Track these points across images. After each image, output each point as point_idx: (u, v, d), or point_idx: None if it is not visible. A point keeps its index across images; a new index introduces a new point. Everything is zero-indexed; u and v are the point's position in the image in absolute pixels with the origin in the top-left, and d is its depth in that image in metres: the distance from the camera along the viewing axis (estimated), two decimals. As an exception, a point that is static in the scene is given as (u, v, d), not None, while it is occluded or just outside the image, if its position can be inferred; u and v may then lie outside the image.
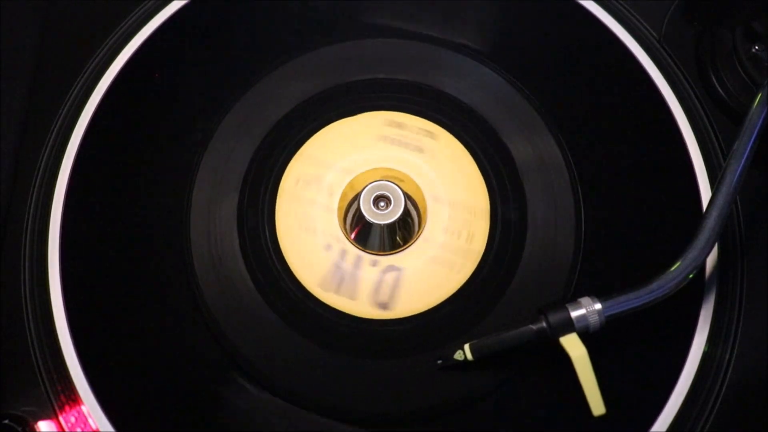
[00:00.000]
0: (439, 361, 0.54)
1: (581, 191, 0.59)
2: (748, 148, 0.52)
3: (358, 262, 0.58)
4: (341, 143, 0.60)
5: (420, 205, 0.59)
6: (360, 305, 0.56)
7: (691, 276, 0.50)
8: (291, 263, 0.57)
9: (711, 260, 0.56)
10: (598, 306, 0.51)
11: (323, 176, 0.59)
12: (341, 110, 0.61)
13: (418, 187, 0.59)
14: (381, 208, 0.57)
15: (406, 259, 0.58)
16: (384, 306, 0.56)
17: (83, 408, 0.53)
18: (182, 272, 0.57)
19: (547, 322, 0.51)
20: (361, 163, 0.60)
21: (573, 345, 0.50)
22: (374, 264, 0.57)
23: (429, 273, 0.57)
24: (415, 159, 0.60)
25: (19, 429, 0.51)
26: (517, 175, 0.59)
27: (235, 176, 0.59)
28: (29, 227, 0.57)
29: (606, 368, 0.50)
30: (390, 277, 0.57)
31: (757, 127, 0.52)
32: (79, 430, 0.53)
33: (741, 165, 0.52)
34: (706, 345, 0.54)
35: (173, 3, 0.63)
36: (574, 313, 0.51)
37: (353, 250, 0.58)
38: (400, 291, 0.57)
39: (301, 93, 0.62)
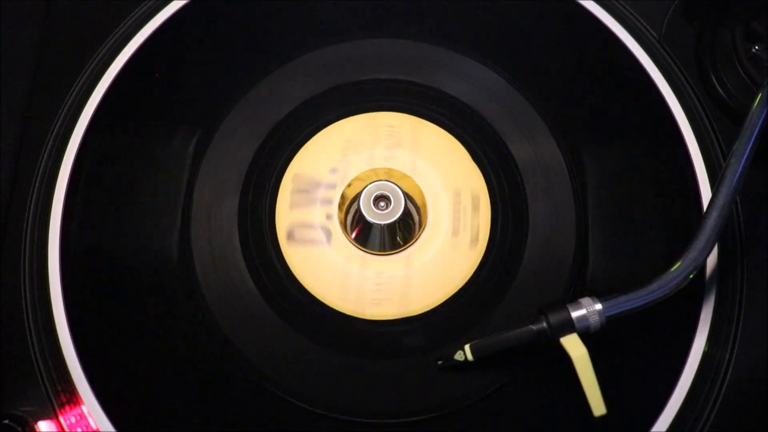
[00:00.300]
0: (440, 362, 0.54)
1: (581, 191, 0.59)
2: (748, 148, 0.52)
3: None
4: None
5: (420, 205, 0.59)
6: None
7: (691, 276, 0.50)
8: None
9: (711, 260, 0.56)
10: (598, 306, 0.51)
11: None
12: (341, 110, 0.61)
13: (417, 187, 0.59)
14: (381, 208, 0.57)
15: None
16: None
17: (83, 408, 0.53)
18: (182, 272, 0.57)
19: (548, 323, 0.51)
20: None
21: (573, 345, 0.50)
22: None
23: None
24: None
25: (19, 429, 0.51)
26: (517, 175, 0.59)
27: (235, 176, 0.59)
28: (29, 227, 0.57)
29: (606, 368, 0.50)
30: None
31: (757, 127, 0.52)
32: (79, 430, 0.53)
33: (741, 165, 0.52)
34: (706, 345, 0.54)
35: (173, 3, 0.63)
36: (575, 314, 0.51)
37: (354, 251, 0.58)
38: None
39: (301, 93, 0.62)
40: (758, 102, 0.53)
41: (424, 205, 0.59)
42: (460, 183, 0.59)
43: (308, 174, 0.59)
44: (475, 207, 0.59)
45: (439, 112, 0.61)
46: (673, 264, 0.51)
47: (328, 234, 0.58)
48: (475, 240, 0.58)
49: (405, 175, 0.60)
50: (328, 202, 0.59)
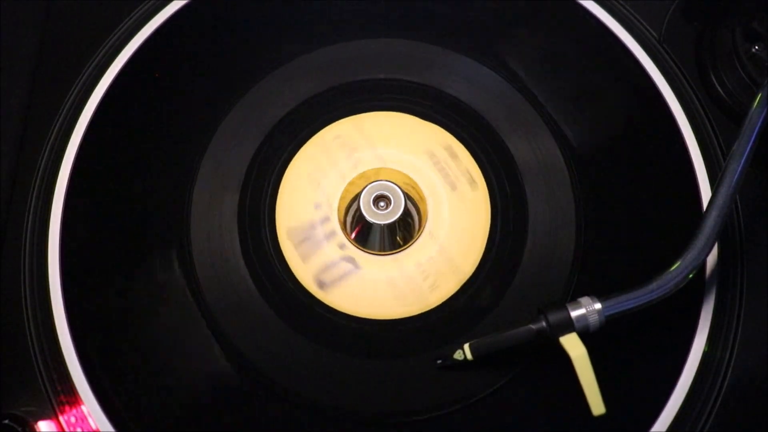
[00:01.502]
0: (439, 361, 0.54)
1: (581, 191, 0.59)
2: (748, 148, 0.52)
3: (359, 262, 0.58)
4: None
5: (420, 206, 0.59)
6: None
7: (690, 276, 0.50)
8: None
9: (711, 260, 0.56)
10: (597, 306, 0.51)
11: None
12: (341, 110, 0.61)
13: (398, 172, 0.59)
14: (381, 208, 0.57)
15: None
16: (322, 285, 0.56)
17: (83, 408, 0.53)
18: (182, 272, 0.57)
19: (547, 322, 0.51)
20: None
21: (573, 345, 0.50)
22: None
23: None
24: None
25: (19, 429, 0.51)
26: (517, 175, 0.59)
27: (235, 176, 0.59)
28: (29, 227, 0.57)
29: (606, 368, 0.50)
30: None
31: (757, 127, 0.52)
32: (79, 430, 0.53)
33: (741, 165, 0.51)
34: (706, 345, 0.54)
35: (173, 3, 0.63)
36: (574, 313, 0.51)
37: (354, 251, 0.58)
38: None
39: (301, 93, 0.62)
40: (758, 102, 0.53)
41: (424, 204, 0.59)
42: (426, 143, 0.60)
43: (298, 223, 0.59)
44: (453, 155, 0.59)
45: (438, 111, 0.61)
46: (672, 264, 0.51)
47: (352, 260, 0.58)
48: (473, 183, 0.58)
49: (378, 170, 0.60)
50: (332, 234, 0.59)
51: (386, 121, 0.61)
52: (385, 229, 0.57)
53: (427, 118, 0.61)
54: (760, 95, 0.53)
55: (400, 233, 0.58)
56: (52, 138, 0.59)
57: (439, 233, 0.58)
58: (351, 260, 0.58)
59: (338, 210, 0.59)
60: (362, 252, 0.58)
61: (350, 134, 0.61)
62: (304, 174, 0.60)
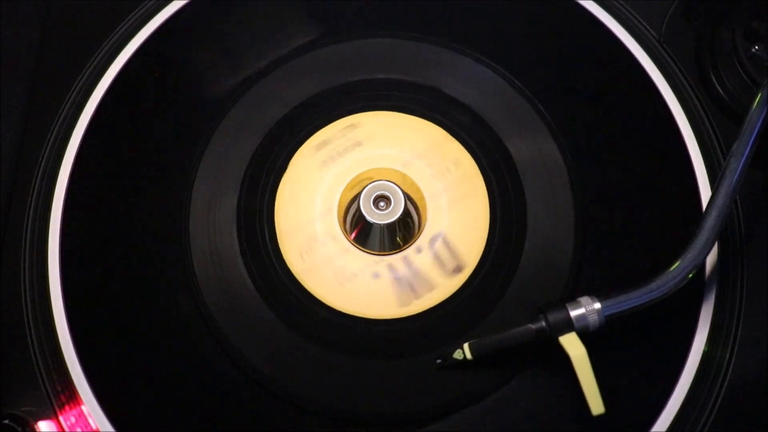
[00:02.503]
0: (439, 361, 0.54)
1: (581, 191, 0.59)
2: (748, 148, 0.52)
3: (359, 263, 0.58)
4: (299, 196, 0.60)
5: (419, 204, 0.59)
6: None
7: (690, 276, 0.50)
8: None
9: (711, 260, 0.56)
10: (597, 305, 0.51)
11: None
12: (341, 110, 0.61)
13: (415, 184, 0.59)
14: (381, 208, 0.57)
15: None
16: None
17: (83, 408, 0.53)
18: (182, 272, 0.57)
19: (547, 322, 0.51)
20: (360, 164, 0.60)
21: (572, 344, 0.50)
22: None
23: (457, 222, 0.58)
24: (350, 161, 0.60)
25: (19, 429, 0.51)
26: (517, 175, 0.59)
27: (235, 176, 0.59)
28: (29, 227, 0.57)
29: (606, 368, 0.50)
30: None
31: (757, 127, 0.52)
32: (79, 430, 0.53)
33: (741, 165, 0.51)
34: (706, 345, 0.54)
35: (173, 3, 0.63)
36: (574, 313, 0.51)
37: (354, 250, 0.58)
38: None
39: (300, 93, 0.62)
40: (758, 102, 0.53)
41: (424, 204, 0.59)
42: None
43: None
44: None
45: (438, 111, 0.61)
46: (672, 264, 0.51)
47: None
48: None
49: (376, 170, 0.60)
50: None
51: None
52: (385, 230, 0.57)
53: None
54: (760, 95, 0.53)
55: (400, 233, 0.58)
56: (52, 138, 0.59)
57: (439, 230, 0.58)
58: (355, 262, 0.58)
59: (338, 214, 0.59)
60: (366, 253, 0.58)
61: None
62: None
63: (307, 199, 0.59)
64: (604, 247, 0.57)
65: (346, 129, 0.61)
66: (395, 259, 0.58)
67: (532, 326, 0.51)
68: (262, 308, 0.56)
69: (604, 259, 0.57)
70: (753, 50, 0.59)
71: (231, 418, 0.54)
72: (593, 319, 0.50)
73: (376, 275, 0.57)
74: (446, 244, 0.58)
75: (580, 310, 0.51)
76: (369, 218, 0.57)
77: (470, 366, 0.53)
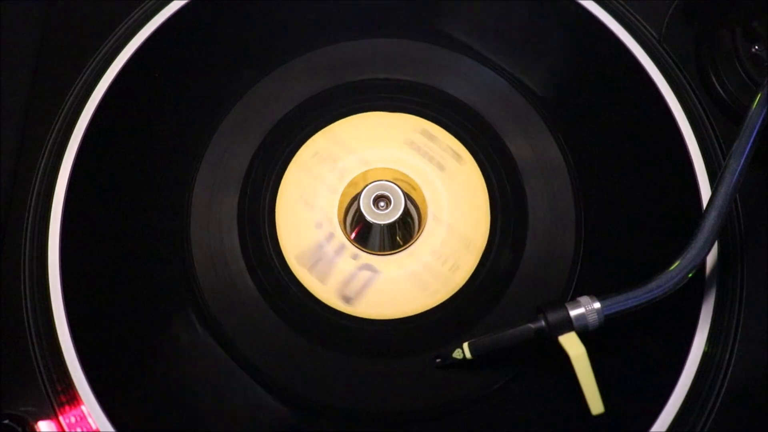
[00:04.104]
0: (438, 360, 0.54)
1: (581, 191, 0.59)
2: (748, 148, 0.52)
3: (360, 263, 0.58)
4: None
5: (420, 206, 0.59)
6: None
7: (690, 275, 0.50)
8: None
9: (711, 260, 0.56)
10: (597, 305, 0.51)
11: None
12: (341, 111, 0.61)
13: (417, 186, 0.59)
14: (381, 208, 0.57)
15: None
16: (348, 300, 0.56)
17: (83, 408, 0.53)
18: (182, 272, 0.57)
19: (546, 321, 0.51)
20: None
21: (572, 344, 0.50)
22: (373, 263, 0.58)
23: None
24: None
25: (19, 429, 0.51)
26: (517, 175, 0.59)
27: (235, 176, 0.59)
28: (29, 227, 0.57)
29: (605, 368, 0.50)
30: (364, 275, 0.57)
31: (757, 127, 0.52)
32: (79, 430, 0.53)
33: (741, 165, 0.51)
34: (706, 345, 0.54)
35: (173, 3, 0.63)
36: (573, 312, 0.51)
37: (354, 250, 0.58)
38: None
39: (301, 93, 0.62)
40: (758, 102, 0.53)
41: (424, 204, 0.59)
42: (401, 133, 0.60)
43: (304, 247, 0.58)
44: (431, 137, 0.60)
45: (438, 111, 0.61)
46: (672, 263, 0.51)
47: (371, 267, 0.58)
48: (456, 157, 0.59)
49: (366, 173, 0.60)
50: (342, 248, 0.58)
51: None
52: (385, 230, 0.57)
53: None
54: (759, 95, 0.53)
55: (400, 233, 0.58)
56: (52, 138, 0.59)
57: (442, 216, 0.58)
58: (370, 267, 0.58)
59: (338, 214, 0.59)
60: (366, 253, 0.58)
61: (327, 148, 0.60)
62: (297, 194, 0.59)
63: (327, 264, 0.58)
64: (604, 247, 0.58)
65: (291, 185, 0.60)
66: (395, 259, 0.58)
67: (532, 326, 0.51)
68: (262, 308, 0.56)
69: (604, 259, 0.57)
70: (753, 50, 0.59)
71: (231, 418, 0.54)
72: (593, 318, 0.50)
73: (376, 275, 0.57)
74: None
75: (580, 310, 0.51)
76: (369, 218, 0.57)
77: (470, 365, 0.53)
